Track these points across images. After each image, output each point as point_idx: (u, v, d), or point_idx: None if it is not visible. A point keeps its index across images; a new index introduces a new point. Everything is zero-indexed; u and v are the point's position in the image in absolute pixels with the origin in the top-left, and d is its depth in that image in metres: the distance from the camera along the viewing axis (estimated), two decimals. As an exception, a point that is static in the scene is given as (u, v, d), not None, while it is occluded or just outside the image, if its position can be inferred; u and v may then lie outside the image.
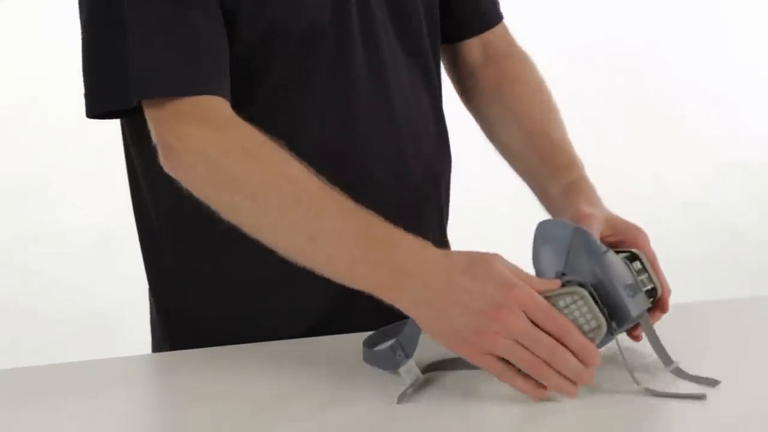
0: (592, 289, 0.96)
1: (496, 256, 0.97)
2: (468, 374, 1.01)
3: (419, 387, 1.00)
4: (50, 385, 1.07)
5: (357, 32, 1.17)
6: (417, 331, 0.98)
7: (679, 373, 0.99)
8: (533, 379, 0.94)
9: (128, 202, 1.26)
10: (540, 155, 1.25)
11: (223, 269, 1.20)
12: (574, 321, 0.94)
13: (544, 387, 0.95)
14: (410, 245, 0.99)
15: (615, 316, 0.97)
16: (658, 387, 0.97)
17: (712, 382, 0.97)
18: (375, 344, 1.07)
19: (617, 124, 3.69)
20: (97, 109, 1.10)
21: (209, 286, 1.22)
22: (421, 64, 1.26)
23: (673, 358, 1.00)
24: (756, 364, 1.07)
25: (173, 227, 1.21)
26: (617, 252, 1.01)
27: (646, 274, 1.02)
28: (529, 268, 1.00)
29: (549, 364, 0.93)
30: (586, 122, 3.58)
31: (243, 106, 1.12)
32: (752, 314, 1.25)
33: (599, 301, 0.96)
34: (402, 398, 0.97)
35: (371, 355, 1.04)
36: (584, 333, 0.95)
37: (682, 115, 3.75)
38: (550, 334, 0.93)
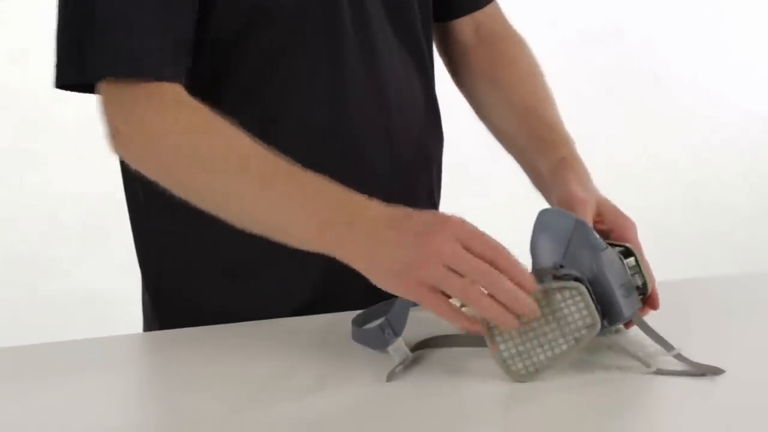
0: (588, 285, 0.95)
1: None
2: (457, 352, 1.01)
3: (408, 365, 1.00)
4: (41, 364, 1.06)
5: (346, 11, 1.16)
6: (406, 310, 0.98)
7: (681, 359, 0.99)
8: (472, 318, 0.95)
9: (119, 181, 1.25)
10: (530, 133, 1.24)
11: (211, 248, 1.20)
12: (569, 315, 0.94)
13: (476, 321, 0.95)
14: (358, 199, 1.01)
15: (607, 314, 0.96)
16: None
17: (716, 371, 0.96)
18: (364, 323, 1.07)
19: (606, 98, 3.68)
20: (59, 80, 1.10)
21: (197, 265, 1.21)
22: (412, 46, 1.25)
23: (675, 346, 1.00)
24: (748, 342, 1.07)
25: (159, 206, 1.21)
26: (612, 245, 1.01)
27: (639, 271, 1.02)
28: (525, 258, 0.99)
29: (484, 290, 0.93)
30: (575, 97, 3.58)
31: (230, 87, 1.12)
32: (744, 291, 1.25)
33: (594, 298, 0.96)
34: (391, 377, 0.97)
35: (360, 334, 1.04)
36: (578, 329, 0.94)
37: (669, 88, 3.74)
38: (491, 262, 0.93)
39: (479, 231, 0.95)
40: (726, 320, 1.13)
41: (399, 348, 0.99)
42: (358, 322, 1.06)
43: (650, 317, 1.03)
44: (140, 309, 1.31)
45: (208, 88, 1.12)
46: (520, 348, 0.95)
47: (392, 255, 0.96)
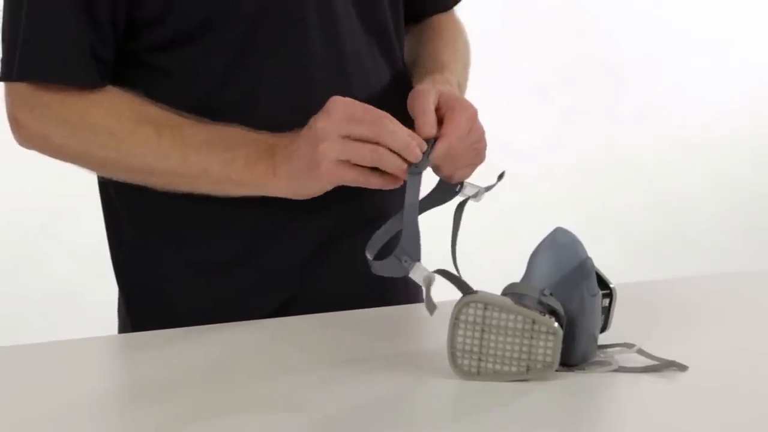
0: (564, 324, 0.96)
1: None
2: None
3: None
4: (14, 366, 1.06)
5: (312, 7, 1.16)
6: (415, 233, 1.02)
7: (643, 354, 1.01)
8: (387, 174, 1.05)
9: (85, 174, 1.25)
10: (419, 66, 1.27)
11: (185, 247, 1.21)
12: (534, 346, 0.94)
13: (394, 177, 1.06)
14: (264, 134, 1.12)
15: (564, 354, 0.96)
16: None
17: (679, 366, 0.98)
18: (378, 252, 1.07)
19: (570, 96, 3.69)
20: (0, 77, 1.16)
21: (171, 265, 1.22)
22: (381, 41, 1.25)
23: (634, 342, 1.02)
24: (710, 342, 1.09)
25: (132, 206, 1.22)
26: (599, 281, 1.01)
27: (607, 314, 1.04)
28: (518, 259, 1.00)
29: (380, 145, 1.04)
30: (539, 94, 3.59)
31: (190, 82, 1.15)
32: (706, 293, 1.27)
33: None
34: (431, 308, 0.98)
35: (379, 267, 1.04)
36: (535, 360, 0.95)
37: (629, 84, 3.76)
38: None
39: (358, 103, 1.06)
40: (688, 321, 1.15)
41: (420, 271, 1.01)
42: (371, 253, 1.06)
43: (614, 317, 1.04)
44: (107, 307, 1.30)
45: (174, 82, 1.15)
46: (476, 348, 0.96)
47: (305, 153, 1.07)
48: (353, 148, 1.05)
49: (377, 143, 1.05)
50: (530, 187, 3.49)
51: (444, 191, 1.13)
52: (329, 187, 1.09)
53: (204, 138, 1.12)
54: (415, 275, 1.01)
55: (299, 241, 1.19)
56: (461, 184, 1.13)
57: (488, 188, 1.14)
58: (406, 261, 1.01)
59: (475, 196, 1.14)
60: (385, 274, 1.03)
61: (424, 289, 1.00)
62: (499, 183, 1.14)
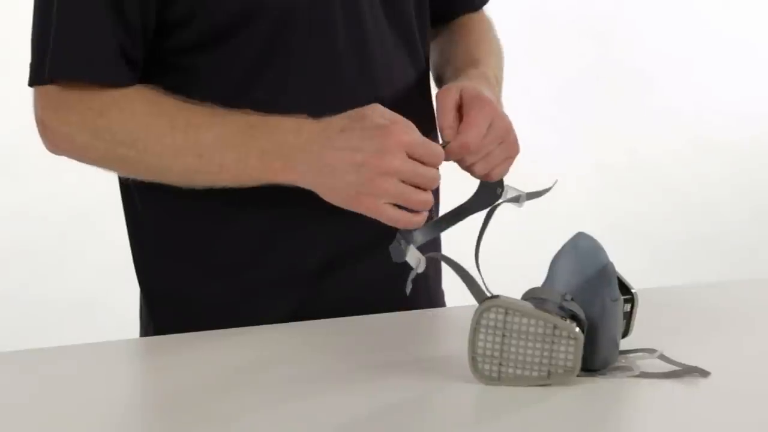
0: (585, 329, 0.96)
1: (372, 106, 1.06)
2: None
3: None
4: (34, 370, 1.06)
5: (338, 9, 1.16)
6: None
7: (665, 359, 1.00)
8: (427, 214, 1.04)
9: (104, 180, 1.27)
10: (453, 63, 1.27)
11: (205, 249, 1.21)
12: (555, 351, 0.94)
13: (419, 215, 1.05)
14: (287, 124, 1.08)
15: (585, 359, 0.96)
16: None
17: (702, 371, 0.98)
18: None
19: (593, 98, 3.68)
20: (29, 81, 1.16)
21: (191, 266, 1.22)
22: (406, 40, 1.25)
23: (656, 347, 1.02)
24: (731, 347, 1.09)
25: (153, 207, 1.22)
26: (620, 285, 1.01)
27: (629, 318, 1.04)
28: (528, 264, 1.00)
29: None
30: (562, 96, 3.59)
31: (217, 83, 1.15)
32: (729, 298, 1.26)
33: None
34: (408, 287, 1.05)
35: (391, 252, 1.07)
36: (556, 365, 0.94)
37: (651, 86, 3.75)
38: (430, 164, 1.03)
39: (419, 137, 1.03)
40: (711, 327, 1.15)
41: (413, 253, 1.05)
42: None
43: (636, 322, 1.04)
44: (129, 310, 1.30)
45: (201, 83, 1.15)
46: (496, 353, 0.95)
47: (347, 178, 1.03)
48: (406, 197, 1.03)
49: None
50: (551, 191, 3.48)
51: (485, 194, 1.13)
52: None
53: (218, 132, 1.10)
54: (410, 257, 1.04)
55: (316, 242, 1.19)
56: (502, 187, 1.13)
57: (531, 195, 1.13)
58: (403, 244, 1.04)
59: (517, 200, 1.13)
60: (394, 259, 1.06)
61: (414, 266, 1.04)
62: (545, 193, 1.13)
